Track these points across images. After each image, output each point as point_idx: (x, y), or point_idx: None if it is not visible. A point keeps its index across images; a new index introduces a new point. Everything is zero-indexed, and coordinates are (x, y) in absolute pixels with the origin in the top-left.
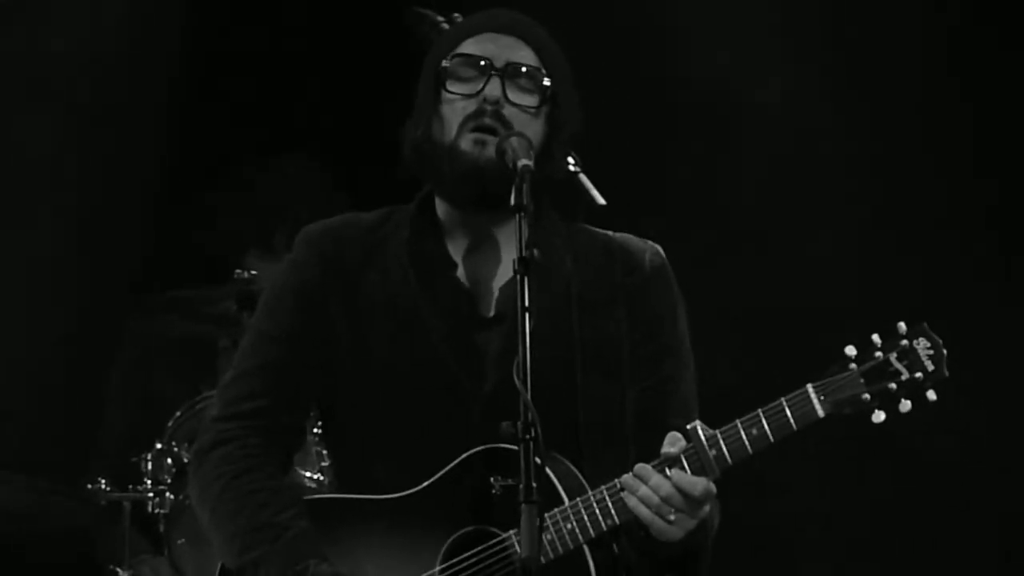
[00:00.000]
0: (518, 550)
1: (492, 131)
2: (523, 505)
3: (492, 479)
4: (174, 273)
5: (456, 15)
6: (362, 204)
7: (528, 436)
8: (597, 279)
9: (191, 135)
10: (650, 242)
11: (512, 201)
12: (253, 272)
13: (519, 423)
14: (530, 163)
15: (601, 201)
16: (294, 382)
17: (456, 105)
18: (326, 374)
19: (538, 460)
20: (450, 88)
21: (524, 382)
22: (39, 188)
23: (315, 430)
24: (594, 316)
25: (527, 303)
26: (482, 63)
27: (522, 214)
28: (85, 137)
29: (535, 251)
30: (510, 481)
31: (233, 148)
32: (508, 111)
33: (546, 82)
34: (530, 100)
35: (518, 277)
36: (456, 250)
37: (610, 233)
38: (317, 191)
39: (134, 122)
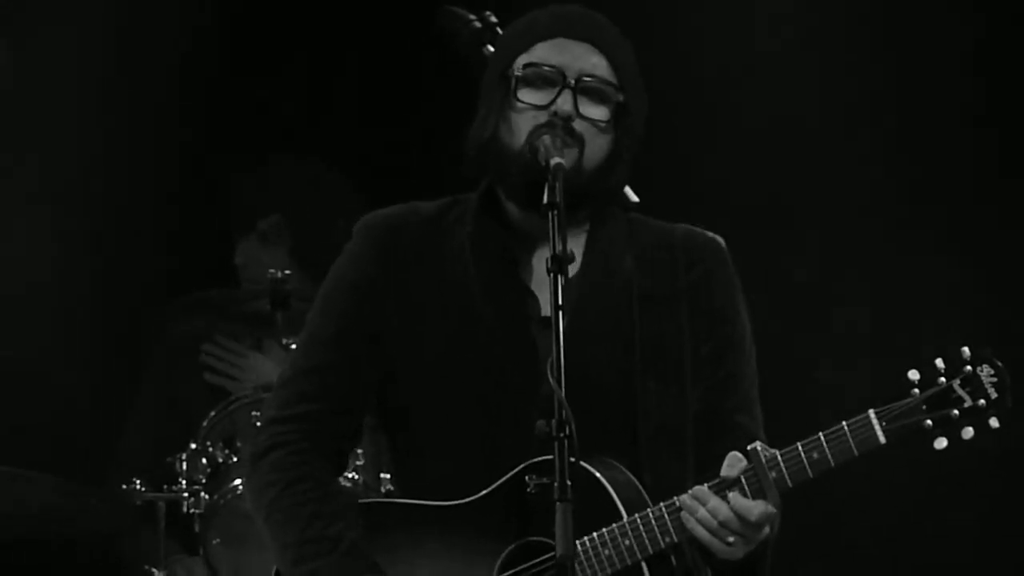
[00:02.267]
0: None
1: (564, 145)
2: (557, 504)
3: (527, 478)
4: (202, 274)
5: (488, 13)
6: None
7: (562, 434)
8: (658, 275)
9: (214, 135)
10: (711, 234)
11: (545, 199)
12: (287, 272)
13: (553, 421)
14: (563, 160)
15: (635, 199)
16: (348, 384)
17: (526, 115)
18: (382, 373)
19: (572, 458)
20: (521, 97)
21: (558, 380)
22: (63, 188)
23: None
24: (655, 314)
25: (560, 301)
26: (554, 75)
27: (555, 212)
28: (108, 138)
29: (571, 250)
30: (544, 480)
31: (253, 146)
32: (579, 125)
33: (619, 97)
34: (601, 114)
35: (550, 275)
36: (520, 247)
37: (671, 225)
38: (327, 189)
39: (153, 122)
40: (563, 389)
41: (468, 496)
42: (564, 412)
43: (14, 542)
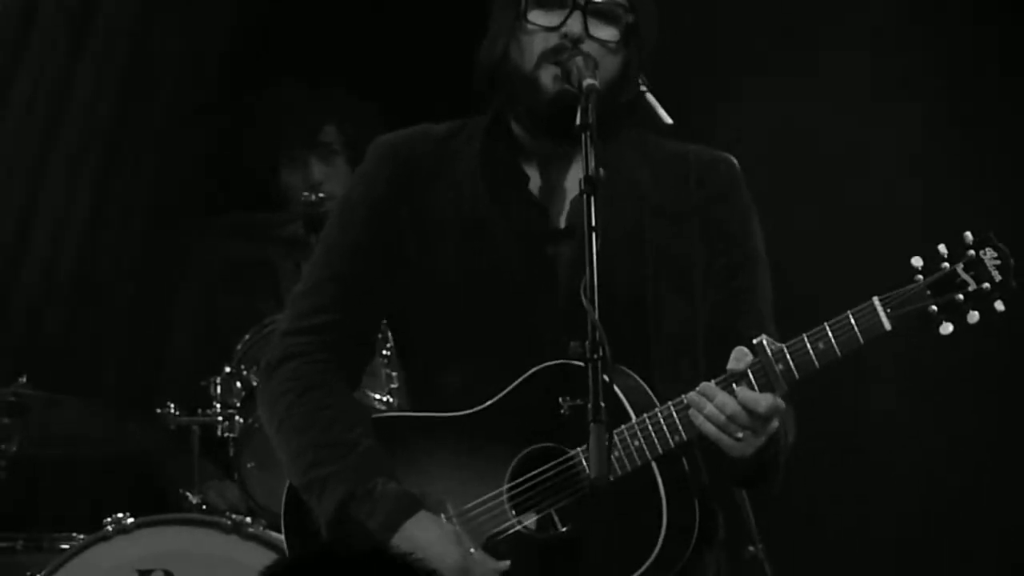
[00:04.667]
0: (585, 467)
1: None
2: (591, 425)
3: (560, 399)
4: (231, 197)
5: None
6: (394, 116)
7: (596, 356)
8: (672, 192)
9: (247, 61)
10: (725, 154)
11: (578, 120)
12: (321, 195)
13: (587, 343)
14: (595, 82)
15: (668, 120)
16: (363, 295)
17: (536, 36)
18: (396, 286)
19: (607, 379)
20: (531, 19)
21: (592, 302)
22: (94, 116)
23: (384, 352)
24: (669, 228)
25: (593, 222)
26: None
27: (587, 133)
28: (137, 58)
29: (601, 170)
30: (579, 401)
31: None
32: (588, 46)
33: (629, 18)
34: (611, 34)
35: (584, 196)
36: (528, 163)
37: (685, 145)
38: (347, 102)
39: (189, 45)
40: (596, 310)
41: (477, 407)
42: (598, 333)
43: (51, 464)
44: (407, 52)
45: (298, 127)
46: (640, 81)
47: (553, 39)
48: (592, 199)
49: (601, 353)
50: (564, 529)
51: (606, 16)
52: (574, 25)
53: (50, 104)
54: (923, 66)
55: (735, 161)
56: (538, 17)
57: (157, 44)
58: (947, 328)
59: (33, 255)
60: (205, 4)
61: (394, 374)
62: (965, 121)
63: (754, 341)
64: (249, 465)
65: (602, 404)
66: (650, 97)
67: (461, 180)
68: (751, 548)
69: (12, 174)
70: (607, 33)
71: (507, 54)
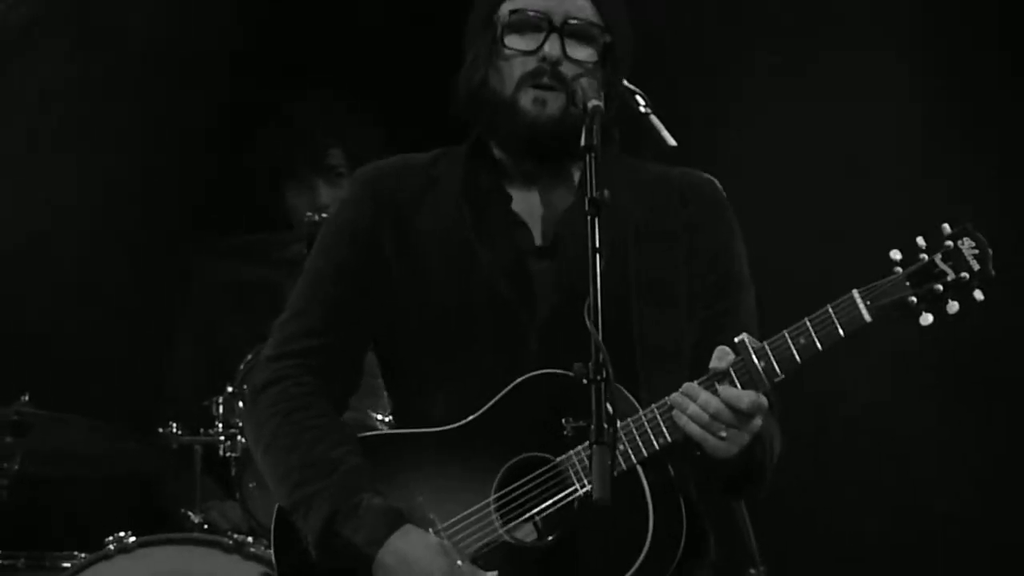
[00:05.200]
0: (571, 475)
1: (552, 90)
2: (594, 446)
3: (564, 420)
4: (234, 218)
5: None
6: (399, 141)
7: (599, 377)
8: (656, 213)
9: (245, 75)
10: (707, 175)
11: (583, 142)
12: (324, 215)
13: (590, 364)
14: (600, 103)
15: (672, 142)
16: (349, 320)
17: (514, 61)
18: (382, 311)
19: (609, 406)
20: (508, 43)
21: (595, 323)
22: (98, 131)
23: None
24: (653, 250)
25: (598, 245)
26: (540, 20)
27: (592, 154)
28: (142, 81)
29: (605, 192)
30: (581, 423)
31: (278, 86)
32: (566, 68)
33: (606, 38)
34: (588, 55)
35: (588, 218)
36: (511, 184)
37: (668, 167)
38: (352, 121)
39: (189, 65)
40: (600, 333)
41: (459, 422)
42: (601, 355)
43: (54, 483)
44: (414, 73)
45: (305, 150)
46: (642, 102)
47: (531, 63)
48: (596, 220)
49: (604, 375)
50: (551, 538)
51: (583, 37)
52: (552, 48)
53: (55, 126)
54: (911, 67)
55: (717, 183)
56: (515, 42)
57: (158, 60)
58: (927, 319)
59: (36, 274)
60: (210, 18)
61: None
62: (947, 118)
63: (736, 339)
64: (251, 485)
65: (605, 425)
66: (654, 118)
67: (444, 203)
68: (752, 571)
69: (17, 193)
70: (584, 54)
71: (486, 80)
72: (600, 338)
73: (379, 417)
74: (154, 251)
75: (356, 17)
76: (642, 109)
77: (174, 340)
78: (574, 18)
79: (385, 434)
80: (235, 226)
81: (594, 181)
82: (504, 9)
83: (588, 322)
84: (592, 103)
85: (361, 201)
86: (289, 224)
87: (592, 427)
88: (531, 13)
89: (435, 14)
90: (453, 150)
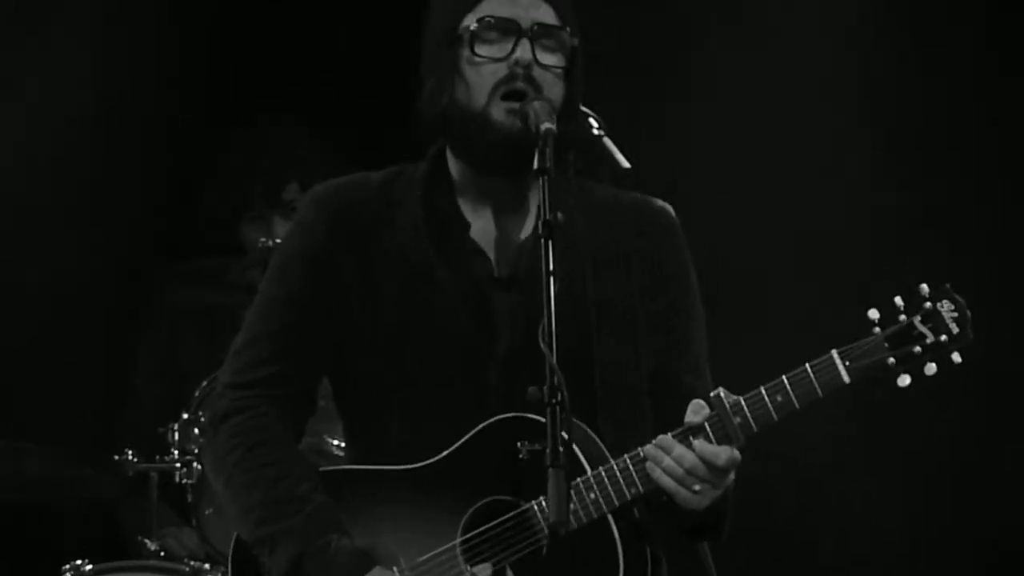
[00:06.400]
0: (539, 520)
1: (525, 95)
2: (550, 470)
3: (519, 444)
4: (191, 243)
5: None
6: (361, 163)
7: (554, 401)
8: (609, 239)
9: (196, 105)
10: (660, 201)
11: (535, 165)
12: (277, 240)
13: (545, 387)
14: (553, 127)
15: (626, 164)
16: (305, 347)
17: (483, 69)
18: (338, 337)
19: (565, 430)
20: (478, 52)
21: (550, 346)
22: (54, 153)
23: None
24: (606, 276)
25: (552, 267)
26: (509, 25)
27: (545, 178)
28: (101, 107)
29: (559, 215)
30: (537, 446)
31: (236, 113)
32: (537, 73)
33: (573, 42)
34: (557, 60)
35: (542, 241)
36: (469, 209)
37: (623, 192)
38: (310, 153)
39: (144, 92)
40: (554, 355)
41: (428, 459)
42: (556, 378)
43: (9, 511)
44: (370, 103)
45: (262, 185)
46: (596, 124)
47: (502, 69)
48: (550, 243)
49: (559, 398)
50: None
51: (552, 43)
52: (523, 52)
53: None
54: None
55: (671, 209)
56: (485, 50)
57: (115, 85)
58: (904, 380)
59: None
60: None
61: None
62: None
63: (711, 394)
64: (207, 512)
65: (560, 449)
66: (607, 141)
67: (403, 228)
68: None
69: None
70: (554, 59)
71: (454, 96)
72: (555, 361)
73: (334, 442)
74: (110, 276)
75: (313, 49)
76: (595, 132)
77: (131, 366)
78: (541, 23)
79: (348, 470)
80: (191, 251)
81: (547, 204)
82: (467, 21)
83: (543, 344)
84: (545, 126)
85: (316, 223)
86: (243, 251)
87: (548, 451)
88: (499, 19)
89: (392, 44)
90: (408, 169)
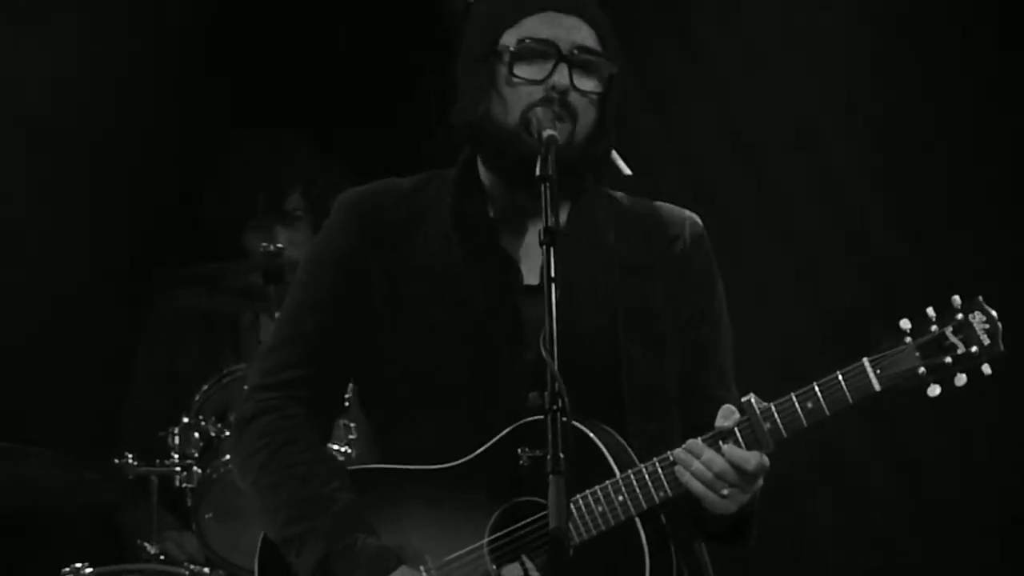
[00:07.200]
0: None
1: (559, 120)
2: (551, 476)
3: (520, 450)
4: (192, 249)
5: None
6: (360, 182)
7: (555, 407)
8: (638, 249)
9: (198, 109)
10: (689, 212)
11: (537, 171)
12: (279, 245)
13: (546, 393)
14: (555, 133)
15: (627, 172)
16: (333, 351)
17: (521, 90)
18: (366, 342)
19: (562, 434)
20: (517, 72)
21: (551, 352)
22: (52, 157)
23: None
24: (636, 286)
25: (553, 273)
26: (548, 48)
27: (547, 184)
28: (102, 109)
29: (561, 220)
30: (537, 452)
31: (234, 122)
32: (573, 97)
33: (612, 69)
34: (594, 86)
35: (543, 247)
36: (500, 216)
37: (651, 203)
38: (312, 163)
39: (146, 95)
40: (555, 361)
41: (456, 461)
42: (557, 384)
43: (9, 515)
44: (374, 113)
45: (264, 195)
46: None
47: (538, 92)
48: (552, 249)
49: (560, 404)
50: None
51: (590, 67)
52: (561, 77)
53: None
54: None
55: (699, 220)
56: (523, 71)
57: (114, 89)
58: (935, 390)
59: None
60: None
61: (352, 425)
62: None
63: (742, 399)
64: (207, 516)
65: (561, 455)
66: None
67: (433, 234)
68: None
69: None
70: (590, 84)
71: (489, 111)
72: (556, 367)
73: (335, 447)
74: (111, 280)
75: (316, 58)
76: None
77: (130, 370)
78: (581, 47)
79: (374, 469)
80: (192, 256)
81: (549, 210)
82: (508, 38)
83: (544, 351)
84: (547, 133)
85: (347, 227)
86: (243, 256)
87: (548, 457)
88: (539, 41)
89: (397, 56)
90: (439, 175)
